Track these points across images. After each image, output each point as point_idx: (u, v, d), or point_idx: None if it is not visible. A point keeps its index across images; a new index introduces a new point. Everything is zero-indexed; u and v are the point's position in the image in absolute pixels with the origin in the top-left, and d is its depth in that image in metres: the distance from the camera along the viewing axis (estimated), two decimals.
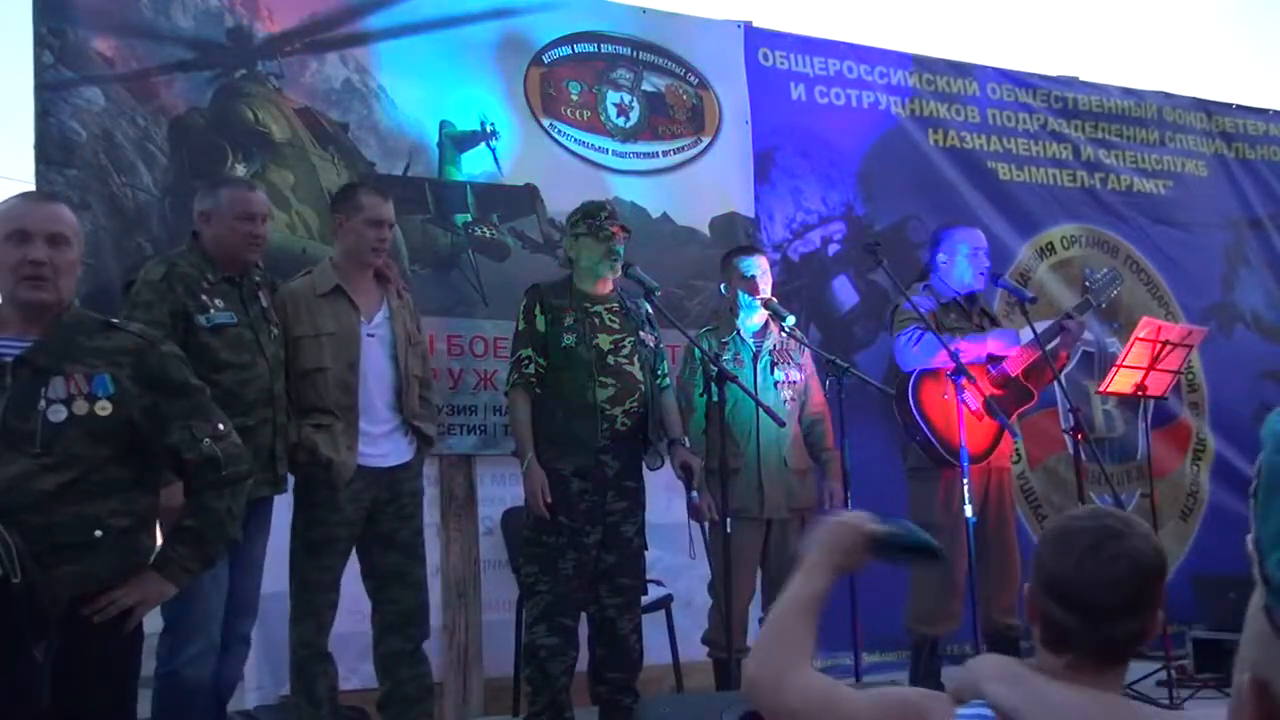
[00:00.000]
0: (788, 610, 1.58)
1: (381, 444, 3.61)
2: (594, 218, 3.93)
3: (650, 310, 4.02)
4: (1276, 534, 0.69)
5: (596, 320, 3.92)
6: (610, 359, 3.88)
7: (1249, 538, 0.75)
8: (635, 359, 3.92)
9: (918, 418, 4.36)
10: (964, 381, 4.10)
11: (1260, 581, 0.72)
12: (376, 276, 3.72)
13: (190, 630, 3.15)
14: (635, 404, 3.88)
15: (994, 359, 4.45)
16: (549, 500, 3.72)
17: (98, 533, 2.31)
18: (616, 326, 3.94)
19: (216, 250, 3.37)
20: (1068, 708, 1.34)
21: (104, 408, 2.32)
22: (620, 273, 3.95)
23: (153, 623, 3.20)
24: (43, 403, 2.28)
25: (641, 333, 3.97)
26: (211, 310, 3.27)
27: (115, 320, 2.51)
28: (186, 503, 2.49)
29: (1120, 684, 1.49)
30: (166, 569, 2.43)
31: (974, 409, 4.27)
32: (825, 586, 1.59)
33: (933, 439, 4.34)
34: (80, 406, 2.31)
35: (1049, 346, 4.44)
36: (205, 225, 3.40)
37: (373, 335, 3.62)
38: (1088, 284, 4.82)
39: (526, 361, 3.86)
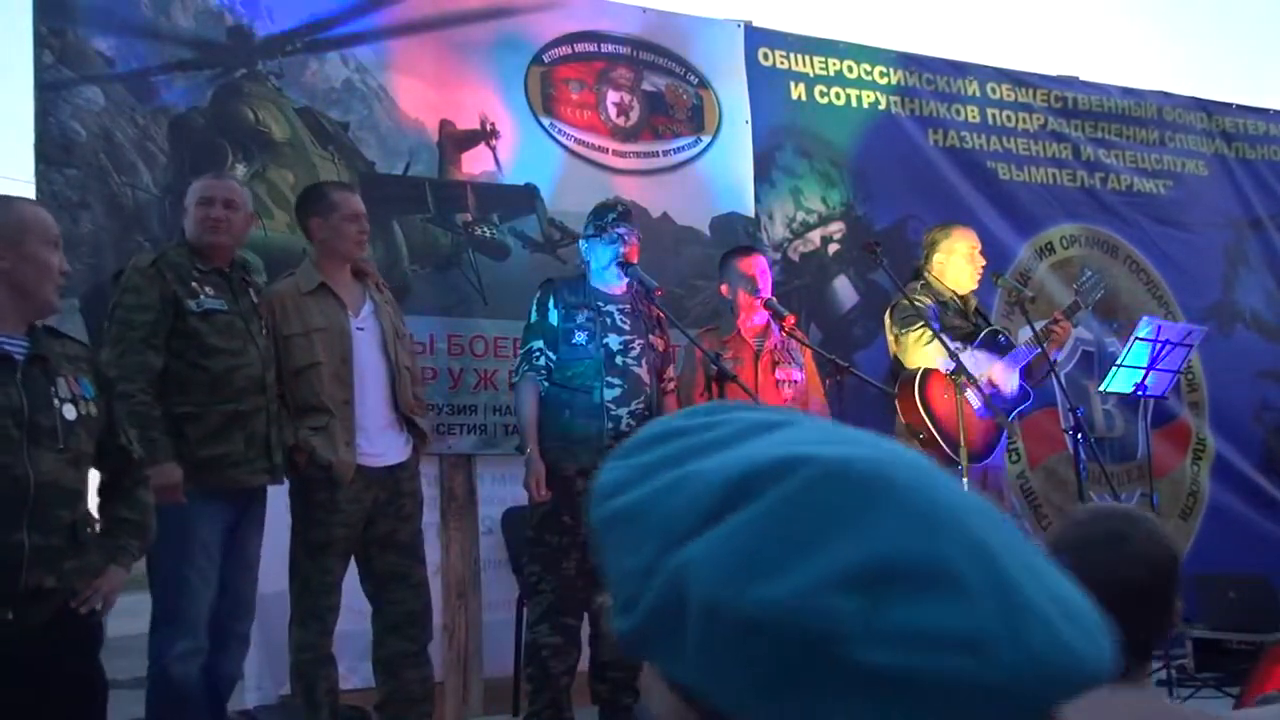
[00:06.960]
0: None
1: (378, 441, 3.59)
2: (602, 218, 3.94)
3: (660, 314, 4.02)
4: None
5: (608, 320, 3.92)
6: (619, 359, 3.88)
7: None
8: (644, 361, 3.92)
9: (924, 416, 4.36)
10: (965, 381, 4.09)
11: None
12: (355, 273, 3.72)
13: (177, 629, 3.16)
14: (641, 405, 3.88)
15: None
16: (544, 491, 3.72)
17: (89, 529, 2.47)
18: (627, 328, 3.94)
19: (194, 241, 3.39)
20: (1119, 714, 1.28)
21: (93, 408, 2.48)
22: (624, 274, 3.95)
23: (142, 624, 3.25)
24: (55, 401, 2.40)
25: (651, 336, 3.98)
26: (201, 296, 3.29)
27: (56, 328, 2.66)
28: (119, 498, 2.61)
29: (1149, 680, 1.48)
30: (121, 558, 2.55)
31: (975, 407, 4.27)
32: None
33: (939, 437, 4.34)
34: (83, 406, 2.45)
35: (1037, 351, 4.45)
36: (184, 219, 3.45)
37: (362, 329, 3.62)
38: (1076, 287, 4.84)
39: (537, 354, 3.86)
